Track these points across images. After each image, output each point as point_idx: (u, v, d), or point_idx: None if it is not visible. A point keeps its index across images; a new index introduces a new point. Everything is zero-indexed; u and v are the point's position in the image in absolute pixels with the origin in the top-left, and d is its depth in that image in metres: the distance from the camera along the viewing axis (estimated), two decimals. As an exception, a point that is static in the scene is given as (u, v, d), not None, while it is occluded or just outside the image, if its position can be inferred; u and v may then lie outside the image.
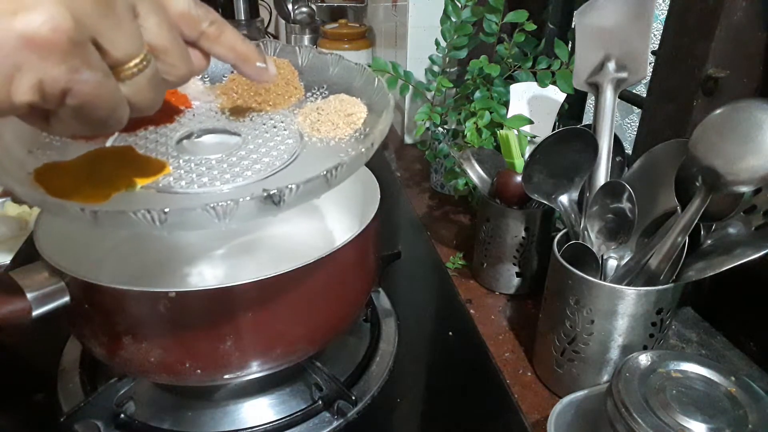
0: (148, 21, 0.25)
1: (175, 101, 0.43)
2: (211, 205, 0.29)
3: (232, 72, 0.45)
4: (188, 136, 0.40)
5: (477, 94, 0.73)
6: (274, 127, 0.42)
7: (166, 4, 0.27)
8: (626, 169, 0.55)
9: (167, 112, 0.42)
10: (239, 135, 0.41)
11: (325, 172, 0.32)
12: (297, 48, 0.47)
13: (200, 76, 0.46)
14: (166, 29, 0.26)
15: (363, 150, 0.35)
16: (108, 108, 0.24)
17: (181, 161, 0.37)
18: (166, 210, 0.28)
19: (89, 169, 0.35)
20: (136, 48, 0.25)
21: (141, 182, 0.35)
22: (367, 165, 0.53)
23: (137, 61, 0.25)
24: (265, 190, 0.30)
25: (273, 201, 0.30)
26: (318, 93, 0.46)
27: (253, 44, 0.33)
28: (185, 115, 0.42)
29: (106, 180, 0.34)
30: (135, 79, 0.25)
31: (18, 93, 0.22)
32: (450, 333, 0.58)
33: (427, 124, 0.81)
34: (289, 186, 0.30)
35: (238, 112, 0.43)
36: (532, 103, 0.69)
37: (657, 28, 0.61)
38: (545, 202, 0.55)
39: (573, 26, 0.74)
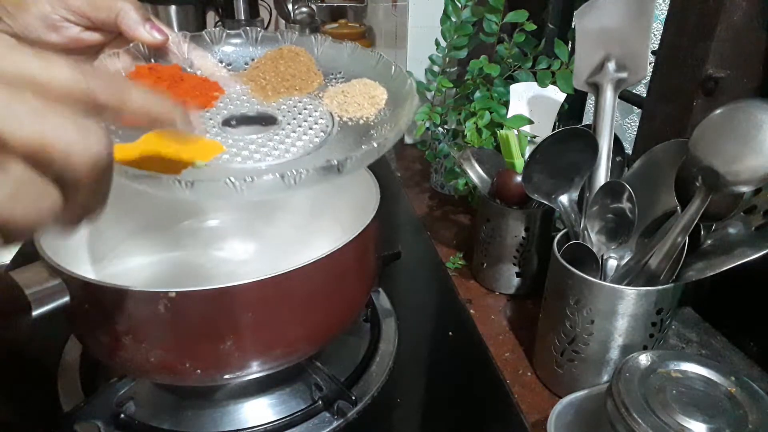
0: None
1: (208, 87, 0.45)
2: (287, 172, 0.33)
3: (253, 60, 0.49)
4: (230, 119, 0.43)
5: (477, 94, 0.73)
6: (305, 109, 0.45)
7: None
8: (626, 169, 0.55)
9: (206, 97, 0.44)
10: (275, 117, 0.44)
11: (376, 144, 0.36)
12: (312, 38, 0.50)
13: (223, 63, 0.49)
14: None
15: (402, 126, 0.40)
16: None
17: (230, 141, 0.41)
18: (253, 178, 0.32)
19: (154, 149, 0.37)
20: None
21: (203, 159, 0.37)
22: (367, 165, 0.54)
23: None
24: (328, 160, 0.34)
25: (338, 169, 0.35)
26: (336, 80, 0.49)
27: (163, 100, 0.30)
28: (221, 100, 0.45)
29: (172, 158, 0.36)
30: None
31: None
32: (450, 333, 0.58)
33: (427, 124, 0.81)
34: (350, 156, 0.35)
35: (268, 96, 0.46)
36: (532, 103, 0.69)
37: (657, 28, 0.61)
38: (545, 202, 0.55)
39: (573, 26, 0.74)
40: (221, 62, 0.48)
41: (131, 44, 0.43)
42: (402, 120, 0.41)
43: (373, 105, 0.45)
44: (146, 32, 0.43)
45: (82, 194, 0.22)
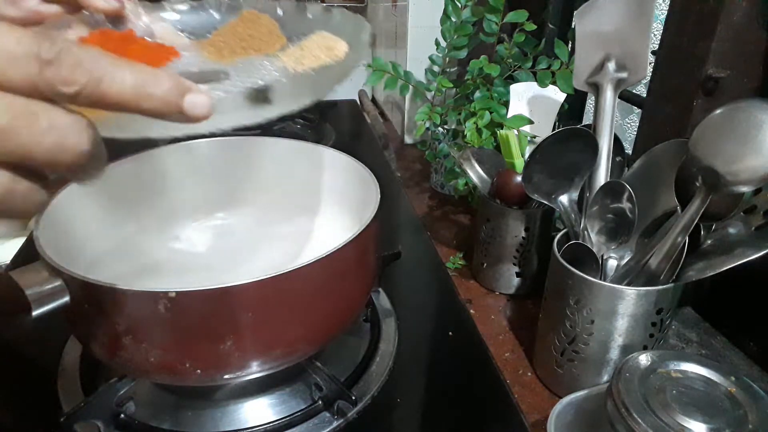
0: None
1: (162, 51, 0.43)
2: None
3: (216, 29, 0.47)
4: (180, 75, 0.43)
5: (477, 94, 0.73)
6: (261, 65, 0.44)
7: None
8: (626, 169, 0.55)
9: (159, 57, 0.42)
10: (227, 71, 0.42)
11: (312, 71, 0.34)
12: (276, 3, 0.49)
13: (185, 33, 0.47)
14: None
15: (352, 55, 0.38)
16: None
17: None
18: None
19: None
20: None
21: None
22: (367, 165, 0.54)
23: None
24: (254, 82, 0.32)
25: (265, 96, 0.32)
26: (299, 41, 0.48)
27: None
28: (173, 62, 0.43)
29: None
30: None
31: None
32: (450, 333, 0.58)
33: (427, 124, 0.81)
34: (279, 80, 0.33)
35: (223, 57, 0.45)
36: (532, 103, 0.69)
37: (657, 28, 0.61)
38: (545, 202, 0.55)
39: (573, 26, 0.74)
40: (182, 32, 0.47)
41: (85, 12, 0.42)
42: (350, 57, 0.40)
43: (331, 57, 0.43)
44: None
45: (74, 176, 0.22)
